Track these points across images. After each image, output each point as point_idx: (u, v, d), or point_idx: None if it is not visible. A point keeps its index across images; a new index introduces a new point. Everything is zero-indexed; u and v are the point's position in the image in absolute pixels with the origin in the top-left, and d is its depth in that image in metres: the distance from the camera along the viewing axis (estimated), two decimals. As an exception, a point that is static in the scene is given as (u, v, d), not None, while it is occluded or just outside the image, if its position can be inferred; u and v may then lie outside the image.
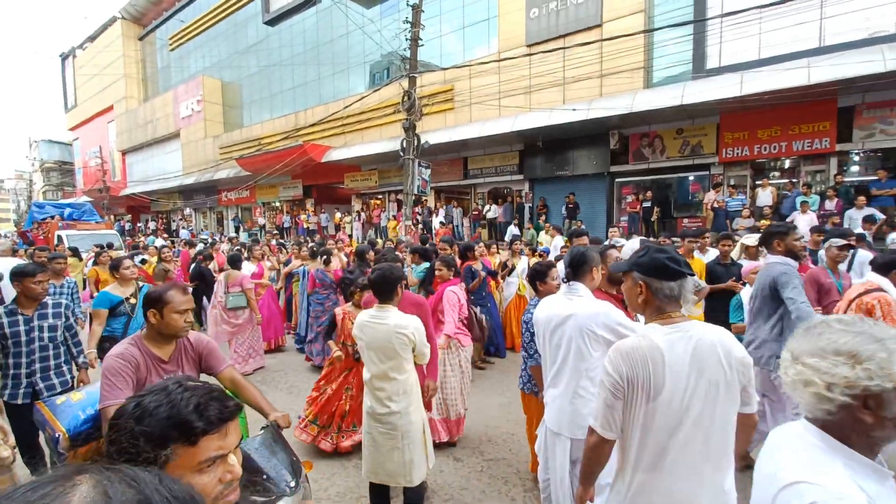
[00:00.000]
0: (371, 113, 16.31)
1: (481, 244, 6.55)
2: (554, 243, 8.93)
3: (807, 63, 8.79)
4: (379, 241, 10.31)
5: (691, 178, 12.17)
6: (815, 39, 9.44)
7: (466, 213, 15.29)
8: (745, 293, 3.94)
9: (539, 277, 3.03)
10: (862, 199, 8.52)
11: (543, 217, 12.80)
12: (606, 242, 6.61)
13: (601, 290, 2.70)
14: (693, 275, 1.64)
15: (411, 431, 2.56)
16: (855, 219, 8.37)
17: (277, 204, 22.98)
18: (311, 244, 8.02)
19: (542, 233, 10.34)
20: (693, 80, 10.55)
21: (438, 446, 3.80)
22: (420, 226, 13.60)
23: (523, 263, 6.52)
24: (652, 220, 11.41)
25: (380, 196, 19.01)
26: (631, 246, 5.87)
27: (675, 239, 7.36)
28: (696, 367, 1.40)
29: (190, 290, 2.14)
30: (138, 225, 26.98)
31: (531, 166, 14.12)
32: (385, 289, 2.58)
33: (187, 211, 27.04)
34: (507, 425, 4.21)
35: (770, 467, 1.01)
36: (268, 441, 1.67)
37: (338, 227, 17.71)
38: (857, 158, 11.00)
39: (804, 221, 8.55)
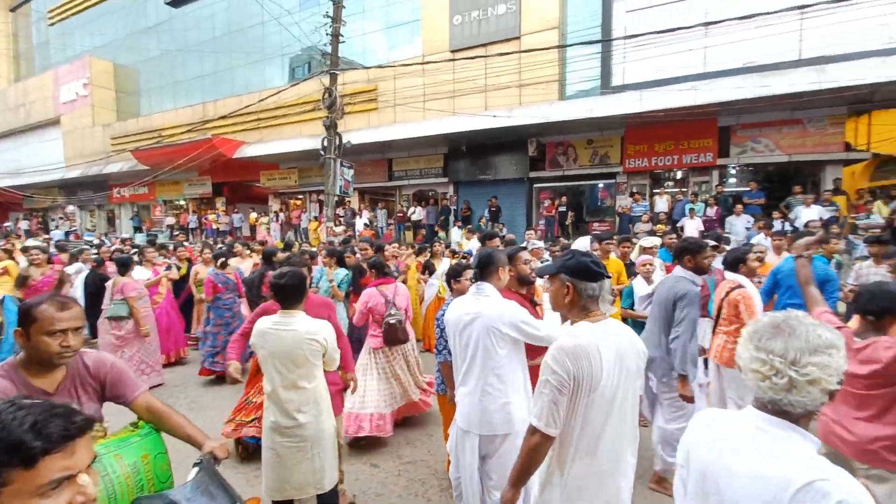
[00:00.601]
0: (289, 108, 15.51)
1: (395, 245, 6.54)
2: (470, 246, 9.12)
3: (693, 86, 9.92)
4: (296, 242, 9.79)
5: (600, 185, 13.17)
6: (700, 66, 10.69)
7: (392, 215, 15.13)
8: (637, 283, 4.33)
9: (454, 277, 3.06)
10: (739, 207, 9.81)
11: (458, 220, 13.09)
12: (523, 244, 6.89)
13: (510, 289, 2.76)
14: (609, 277, 1.79)
15: (323, 439, 2.43)
16: (735, 224, 9.60)
17: (182, 202, 20.99)
18: (219, 246, 7.38)
19: (464, 239, 10.53)
20: (601, 95, 11.43)
21: (355, 454, 3.66)
22: (345, 227, 13.20)
23: (444, 265, 6.56)
24: (567, 223, 12.15)
25: (300, 196, 18.15)
26: (582, 244, 6.18)
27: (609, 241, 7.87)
28: (620, 360, 1.56)
29: (75, 304, 1.65)
30: (6, 225, 23.12)
31: (456, 169, 14.35)
32: (289, 293, 2.44)
33: (70, 209, 23.62)
34: (427, 426, 4.18)
35: (768, 470, 0.98)
36: (203, 483, 1.43)
37: (253, 229, 16.60)
38: (733, 172, 12.65)
39: (692, 226, 9.64)
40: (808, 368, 0.98)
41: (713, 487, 1.07)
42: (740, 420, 1.10)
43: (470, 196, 13.92)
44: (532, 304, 2.88)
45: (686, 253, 3.14)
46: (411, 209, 14.11)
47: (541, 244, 7.79)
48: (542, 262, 6.13)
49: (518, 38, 12.25)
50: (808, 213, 8.90)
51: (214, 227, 17.27)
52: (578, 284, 1.63)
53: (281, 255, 6.01)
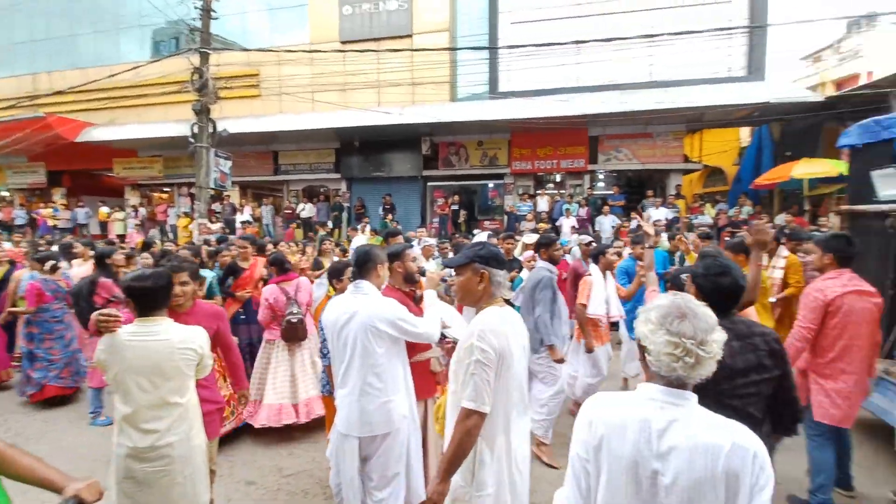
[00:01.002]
0: (151, 88, 13.55)
1: (288, 244, 6.04)
2: (354, 243, 8.89)
3: (568, 98, 10.93)
4: (157, 242, 8.56)
5: (490, 185, 13.84)
6: (573, 80, 11.82)
7: (279, 212, 14.10)
8: (524, 276, 4.64)
9: (336, 275, 2.95)
10: (606, 208, 11.06)
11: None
12: (413, 242, 6.90)
13: (394, 287, 2.71)
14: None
15: (193, 459, 2.12)
16: (603, 223, 10.81)
17: (5, 193, 17.09)
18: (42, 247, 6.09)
19: (358, 234, 10.23)
20: (490, 99, 12.00)
21: (227, 472, 3.29)
22: (222, 224, 11.90)
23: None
24: (459, 221, 12.52)
25: (166, 189, 15.98)
26: (481, 238, 6.38)
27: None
28: (517, 336, 1.77)
29: None
30: None
31: (348, 165, 13.89)
32: (153, 298, 2.09)
33: None
34: (312, 433, 3.93)
35: (702, 438, 1.05)
36: None
37: (104, 225, 14.17)
38: (602, 177, 14.27)
39: (567, 224, 10.62)
40: (712, 346, 1.09)
41: (648, 470, 1.08)
42: (643, 400, 1.15)
43: (364, 193, 13.59)
44: (415, 301, 2.86)
45: (540, 247, 3.74)
46: (301, 205, 13.30)
47: (432, 241, 7.90)
48: (434, 259, 6.19)
49: (410, 36, 12.29)
50: (657, 214, 10.36)
51: (51, 223, 14.36)
52: (492, 272, 1.77)
53: (144, 258, 5.20)
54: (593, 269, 4.13)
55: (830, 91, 14.96)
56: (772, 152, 12.19)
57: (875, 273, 3.42)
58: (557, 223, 11.03)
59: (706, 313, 1.14)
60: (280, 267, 4.07)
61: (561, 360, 3.38)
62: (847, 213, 4.07)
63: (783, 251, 4.15)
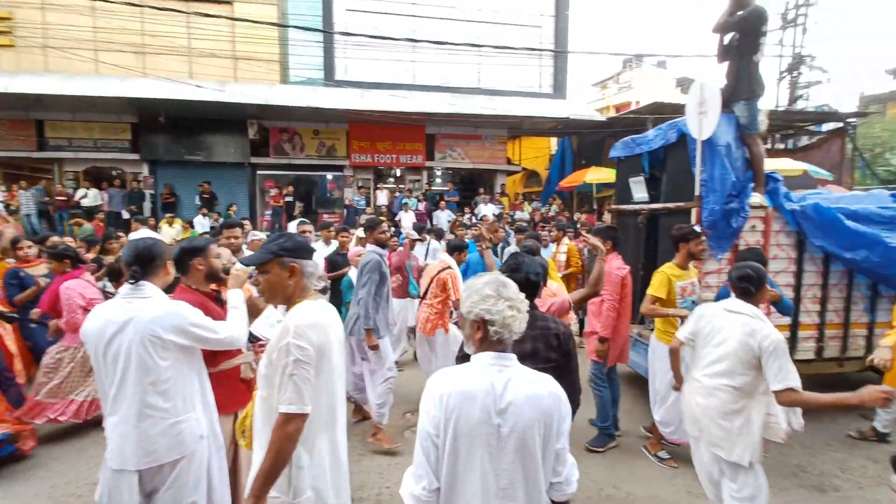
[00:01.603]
0: None
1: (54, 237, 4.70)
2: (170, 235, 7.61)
3: (405, 94, 11.14)
4: None
5: (329, 176, 13.27)
6: (410, 77, 12.10)
7: (51, 198, 11.01)
8: (353, 274, 4.52)
9: (114, 278, 2.34)
10: (443, 203, 11.61)
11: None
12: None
13: (190, 287, 2.30)
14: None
15: None
16: (440, 217, 11.34)
17: None
18: None
19: (165, 226, 8.66)
20: (325, 86, 11.44)
21: None
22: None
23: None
24: (295, 214, 11.67)
25: None
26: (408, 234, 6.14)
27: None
28: (336, 329, 1.66)
29: None
30: None
31: (151, 145, 11.62)
32: None
33: None
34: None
35: (540, 390, 1.28)
36: None
37: None
38: (439, 173, 15.01)
39: (407, 218, 10.86)
40: (525, 303, 1.36)
41: (492, 427, 1.23)
42: (483, 368, 1.30)
43: (174, 179, 11.57)
44: (219, 302, 2.48)
45: (366, 230, 3.79)
46: (81, 191, 10.62)
47: (261, 235, 7.15)
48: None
49: (230, 2, 10.86)
50: (486, 210, 11.38)
51: None
52: (302, 263, 1.65)
53: None
54: (451, 261, 4.25)
55: (611, 113, 18.54)
56: (572, 160, 14.56)
57: (632, 256, 4.32)
58: (397, 217, 11.20)
59: (508, 280, 1.40)
60: (74, 259, 3.73)
61: (374, 347, 3.38)
62: (615, 211, 5.06)
63: (566, 240, 4.98)
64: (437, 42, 9.97)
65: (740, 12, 3.72)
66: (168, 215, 9.05)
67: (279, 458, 1.49)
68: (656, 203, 4.34)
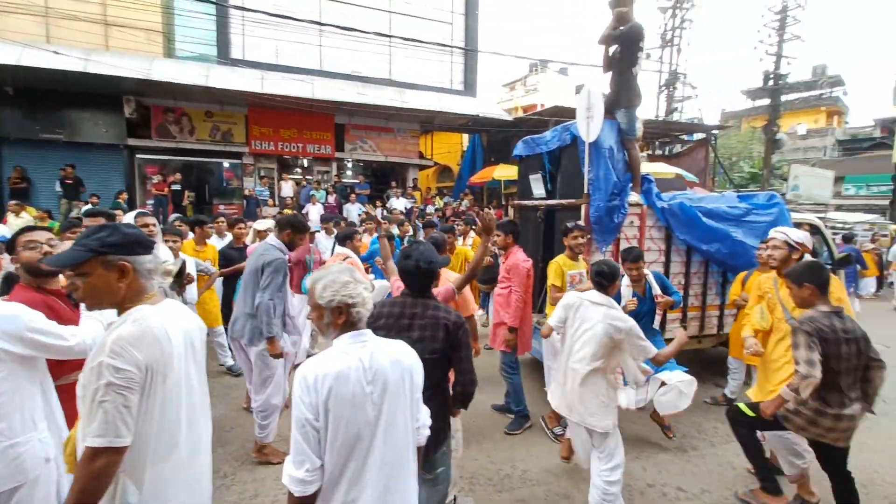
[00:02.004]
0: None
1: None
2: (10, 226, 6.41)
3: (311, 80, 10.58)
4: None
5: (226, 164, 12.17)
6: (317, 63, 11.52)
7: None
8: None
9: None
10: (353, 196, 11.28)
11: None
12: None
13: (31, 286, 1.94)
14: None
15: None
16: (350, 210, 10.99)
17: None
18: None
19: (11, 215, 7.26)
20: (219, 64, 10.43)
21: None
22: None
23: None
24: (184, 204, 10.52)
25: None
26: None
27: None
28: (187, 340, 1.45)
29: None
30: None
31: (-6, 119, 9.68)
32: None
33: None
34: None
35: (404, 360, 1.47)
36: None
37: None
38: (350, 165, 14.56)
39: (314, 211, 10.37)
40: (368, 284, 1.50)
41: (364, 396, 1.36)
42: (350, 348, 1.41)
43: (25, 161, 9.76)
44: (72, 302, 2.12)
45: (289, 227, 3.21)
46: None
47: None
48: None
49: (98, -42, 9.41)
50: (398, 203, 11.30)
51: None
52: (136, 260, 1.37)
53: None
54: (346, 251, 4.24)
55: (519, 114, 19.48)
56: (482, 157, 15.05)
57: (532, 249, 4.58)
58: (304, 210, 10.65)
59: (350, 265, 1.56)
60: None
61: (279, 355, 3.08)
62: (517, 206, 5.32)
63: (472, 234, 5.14)
64: (343, 28, 9.60)
65: (622, 28, 4.09)
66: (13, 203, 7.57)
67: (84, 499, 1.25)
68: (553, 199, 4.64)
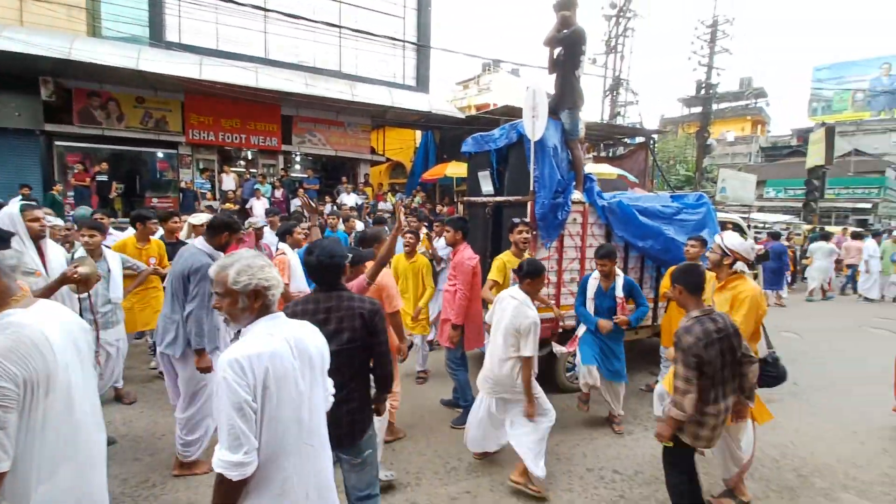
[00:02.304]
0: None
1: None
2: None
3: (255, 68, 10.10)
4: None
5: (160, 154, 11.36)
6: (261, 50, 11.01)
7: None
8: None
9: None
10: (301, 190, 10.87)
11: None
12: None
13: None
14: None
15: None
16: (298, 205, 10.59)
17: None
18: None
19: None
20: (151, 46, 9.71)
21: None
22: None
23: None
24: (111, 196, 9.73)
25: None
26: (252, 222, 4.64)
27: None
28: (70, 344, 1.37)
29: None
30: None
31: None
32: None
33: None
34: None
35: (303, 331, 1.55)
36: None
37: None
38: (298, 159, 14.07)
39: (259, 206, 9.92)
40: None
41: (295, 370, 1.43)
42: (274, 329, 1.45)
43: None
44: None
45: (226, 229, 3.00)
46: None
47: (57, 221, 5.73)
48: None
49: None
50: (348, 199, 11.05)
51: None
52: None
53: None
54: (284, 247, 4.07)
55: (472, 112, 19.68)
56: (435, 153, 15.05)
57: (481, 245, 4.64)
58: (248, 205, 10.16)
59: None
60: None
61: (207, 369, 2.83)
62: (467, 203, 5.36)
63: (423, 231, 5.13)
64: (290, 15, 9.24)
65: (565, 31, 4.22)
66: None
67: None
68: (501, 196, 4.72)
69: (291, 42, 11.35)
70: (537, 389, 2.92)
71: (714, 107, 19.65)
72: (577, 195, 4.30)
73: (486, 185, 4.86)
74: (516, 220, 3.69)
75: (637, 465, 3.30)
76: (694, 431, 2.34)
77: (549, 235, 4.15)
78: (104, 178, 9.55)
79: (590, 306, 3.77)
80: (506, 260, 3.58)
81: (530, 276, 2.87)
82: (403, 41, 12.40)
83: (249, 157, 12.80)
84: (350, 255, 2.07)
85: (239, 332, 1.51)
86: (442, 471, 3.17)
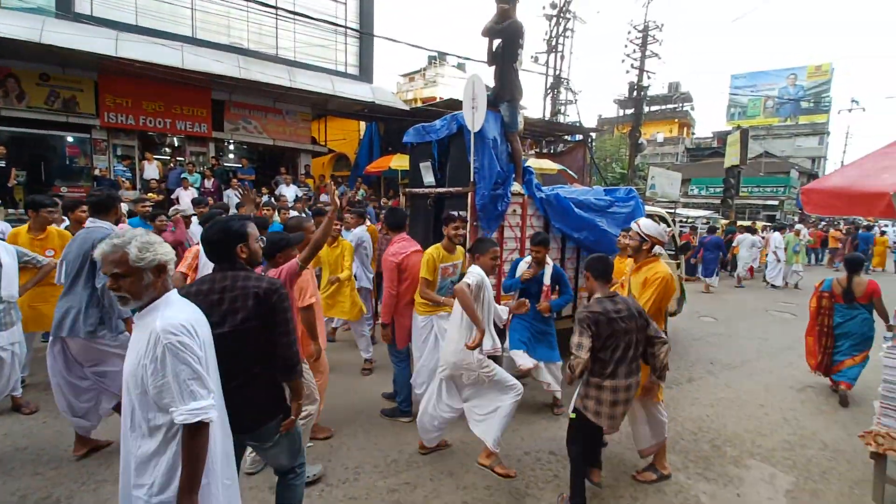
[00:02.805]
0: None
1: None
2: None
3: (181, 47, 9.34)
4: None
5: (70, 139, 10.22)
6: (188, 29, 10.21)
7: None
8: None
9: None
10: (235, 181, 10.22)
11: None
12: None
13: None
14: None
15: None
16: (231, 196, 9.96)
17: None
18: None
19: None
20: (58, 18, 8.68)
21: None
22: None
23: None
24: (10, 185, 8.61)
25: None
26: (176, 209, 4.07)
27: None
28: None
29: None
30: None
31: None
32: None
33: None
34: None
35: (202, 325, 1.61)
36: None
37: None
38: (231, 147, 13.25)
39: (186, 196, 9.22)
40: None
41: (210, 327, 1.65)
42: (183, 298, 1.63)
43: None
44: None
45: (101, 207, 3.05)
46: None
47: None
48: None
49: None
50: (288, 192, 10.56)
51: None
52: None
53: None
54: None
55: (418, 104, 19.55)
56: (379, 145, 14.77)
57: (423, 236, 4.59)
58: (175, 195, 9.41)
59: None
60: None
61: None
62: (408, 194, 5.30)
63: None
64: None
65: (503, 24, 4.26)
66: None
67: None
68: (442, 187, 4.70)
69: (223, 21, 10.62)
70: (494, 366, 2.96)
71: (645, 109, 20.93)
72: (516, 187, 4.37)
73: (428, 176, 4.82)
74: (453, 213, 3.54)
75: (571, 445, 3.44)
76: (594, 408, 2.53)
77: (490, 226, 4.19)
78: (2, 163, 8.44)
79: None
80: (435, 256, 3.38)
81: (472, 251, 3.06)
82: (346, 27, 12.02)
83: (176, 145, 11.87)
84: (245, 230, 1.91)
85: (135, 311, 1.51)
86: (382, 464, 3.12)
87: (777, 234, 11.61)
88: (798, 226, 12.45)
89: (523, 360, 3.73)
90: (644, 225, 3.10)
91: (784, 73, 36.63)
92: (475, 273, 2.91)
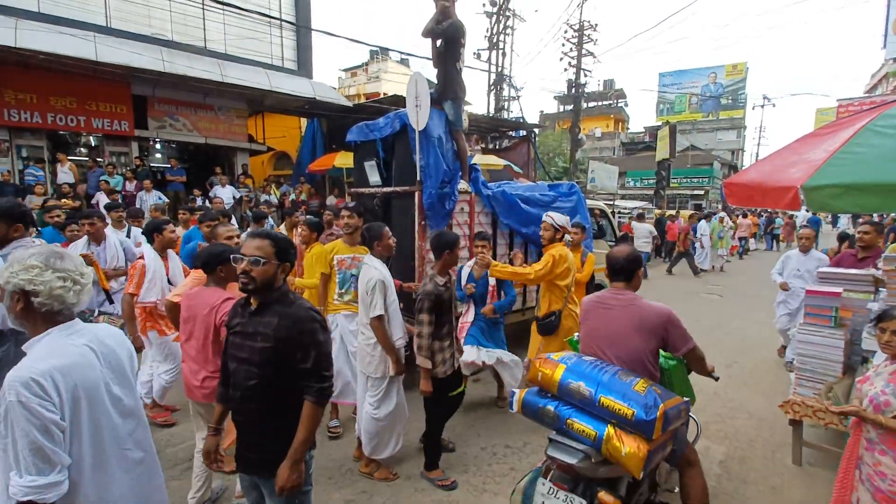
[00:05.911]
0: None
1: None
2: None
3: (94, 37, 8.50)
4: None
5: (-38, 139, 9.00)
6: (102, 18, 9.32)
7: None
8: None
9: None
10: (148, 182, 9.28)
11: None
12: None
13: None
14: None
15: None
16: (146, 200, 9.11)
17: None
18: None
19: None
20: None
21: None
22: None
23: None
24: None
25: None
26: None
27: None
28: None
29: None
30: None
31: None
32: None
33: None
34: None
35: (112, 339, 1.51)
36: None
37: None
38: (158, 146, 12.28)
39: (105, 199, 8.45)
40: (88, 277, 1.40)
41: (103, 378, 1.41)
42: (68, 339, 1.35)
43: None
44: None
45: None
46: None
47: None
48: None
49: None
50: (223, 193, 9.96)
51: None
52: None
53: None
54: (147, 249, 3.48)
55: (362, 100, 19.11)
56: (322, 143, 14.30)
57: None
58: (95, 200, 8.58)
59: (74, 255, 1.44)
60: None
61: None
62: (354, 194, 5.16)
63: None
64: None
65: (444, 23, 4.23)
66: None
67: None
68: (389, 186, 4.62)
69: (142, 10, 9.79)
70: (394, 385, 2.97)
71: (584, 105, 21.83)
72: (463, 185, 4.38)
73: (374, 176, 4.72)
74: (344, 206, 3.68)
75: (525, 437, 3.52)
76: (442, 368, 2.86)
77: (438, 224, 4.18)
78: None
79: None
80: (328, 249, 3.53)
81: (369, 240, 3.00)
82: (280, 20, 11.49)
83: (93, 144, 10.82)
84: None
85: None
86: (337, 474, 3.04)
87: (703, 221, 12.55)
88: (721, 213, 13.52)
89: (474, 355, 3.73)
90: (555, 217, 3.77)
91: (706, 72, 39.58)
92: (372, 270, 2.83)
